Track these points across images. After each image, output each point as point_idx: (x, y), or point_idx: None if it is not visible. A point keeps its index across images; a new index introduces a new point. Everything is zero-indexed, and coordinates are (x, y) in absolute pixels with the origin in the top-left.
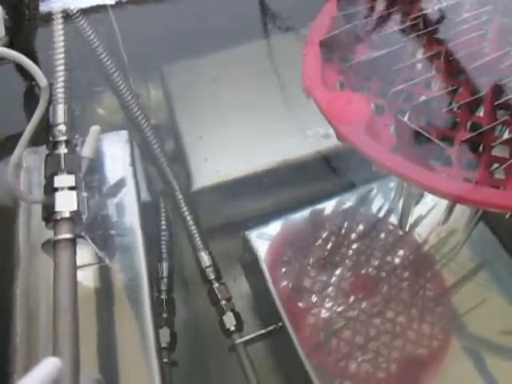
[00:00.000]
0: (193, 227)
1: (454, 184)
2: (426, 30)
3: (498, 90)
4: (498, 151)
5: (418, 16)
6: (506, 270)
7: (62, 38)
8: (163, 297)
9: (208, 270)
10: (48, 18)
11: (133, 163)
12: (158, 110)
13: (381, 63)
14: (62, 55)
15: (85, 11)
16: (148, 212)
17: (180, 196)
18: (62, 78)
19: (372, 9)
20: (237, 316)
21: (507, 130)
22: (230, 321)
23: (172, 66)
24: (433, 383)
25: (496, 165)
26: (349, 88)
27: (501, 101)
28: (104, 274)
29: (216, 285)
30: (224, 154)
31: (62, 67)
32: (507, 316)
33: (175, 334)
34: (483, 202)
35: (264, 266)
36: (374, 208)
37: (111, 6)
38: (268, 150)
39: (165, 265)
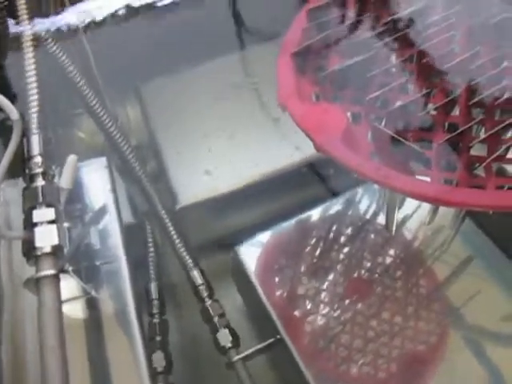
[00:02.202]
0: (181, 246)
1: (430, 187)
2: (397, 35)
3: (471, 90)
4: (476, 150)
5: (389, 21)
6: (496, 260)
7: (34, 66)
8: (156, 320)
9: (200, 288)
10: (18, 43)
11: (113, 189)
12: (137, 129)
13: (354, 71)
14: (35, 83)
15: (56, 34)
16: (134, 235)
17: (165, 216)
18: (35, 108)
19: (342, 17)
20: (232, 332)
21: (483, 128)
22: (225, 338)
23: (148, 84)
24: (435, 378)
25: (475, 164)
26: (324, 98)
27: (475, 100)
28: (91, 306)
29: (209, 302)
30: (207, 169)
31: (35, 96)
32: (503, 304)
33: (170, 356)
34: (461, 203)
35: (255, 279)
36: (361, 211)
37: (83, 27)
38: (251, 163)
39: (154, 287)
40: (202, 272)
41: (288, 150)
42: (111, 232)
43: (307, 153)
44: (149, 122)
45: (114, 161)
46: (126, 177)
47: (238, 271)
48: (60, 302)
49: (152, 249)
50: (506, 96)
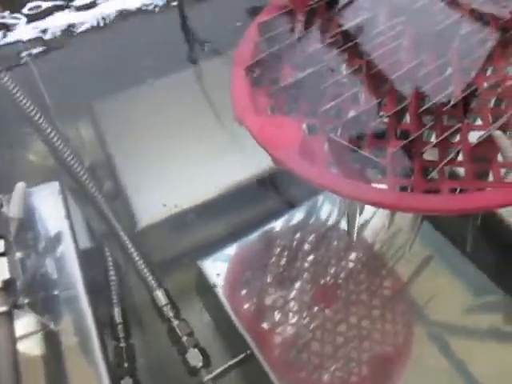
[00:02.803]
0: (143, 267)
1: (386, 194)
2: (346, 46)
3: (419, 98)
4: (428, 155)
5: (337, 33)
6: (455, 258)
7: None
8: (122, 344)
9: (165, 308)
10: None
11: (67, 215)
12: (91, 149)
13: (307, 83)
14: None
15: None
16: (93, 259)
17: (125, 237)
18: None
19: (292, 30)
20: (202, 351)
21: (434, 134)
22: (195, 358)
23: (101, 102)
24: (404, 375)
25: (429, 169)
26: (279, 111)
27: (424, 108)
28: (51, 339)
29: (176, 322)
30: (165, 187)
31: None
32: (463, 299)
33: (138, 382)
34: (417, 208)
35: (221, 294)
36: (323, 218)
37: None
38: (210, 178)
39: (117, 311)
40: (167, 291)
41: (245, 163)
42: (67, 259)
43: (265, 165)
44: (103, 141)
45: (68, 183)
46: (82, 199)
47: (203, 287)
48: (14, 341)
49: (113, 272)
50: (452, 102)
